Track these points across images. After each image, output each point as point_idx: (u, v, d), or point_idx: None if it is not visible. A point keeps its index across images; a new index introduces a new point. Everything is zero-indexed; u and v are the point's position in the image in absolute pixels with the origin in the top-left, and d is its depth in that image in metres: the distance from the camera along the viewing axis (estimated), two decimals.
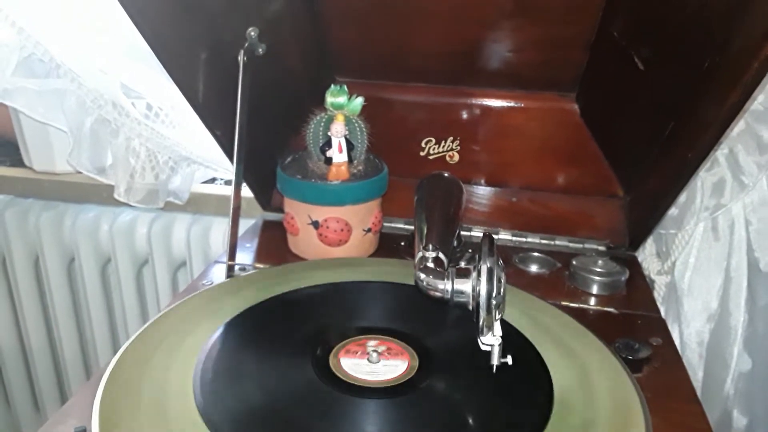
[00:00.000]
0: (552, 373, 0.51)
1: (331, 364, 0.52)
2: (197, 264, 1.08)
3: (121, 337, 1.21)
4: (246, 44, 0.68)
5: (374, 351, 0.53)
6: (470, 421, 0.47)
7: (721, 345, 0.84)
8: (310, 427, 0.45)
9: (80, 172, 1.02)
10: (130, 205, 1.03)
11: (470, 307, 0.53)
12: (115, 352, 0.52)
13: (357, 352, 0.54)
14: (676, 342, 0.70)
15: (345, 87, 0.73)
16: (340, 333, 0.57)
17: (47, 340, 1.24)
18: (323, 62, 0.86)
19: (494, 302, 0.50)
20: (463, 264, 0.65)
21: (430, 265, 0.56)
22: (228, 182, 1.11)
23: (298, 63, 0.84)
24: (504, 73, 0.81)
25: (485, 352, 0.50)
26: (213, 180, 1.12)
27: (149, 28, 0.60)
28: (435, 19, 0.77)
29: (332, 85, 0.73)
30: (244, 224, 0.82)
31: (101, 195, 1.07)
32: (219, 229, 1.06)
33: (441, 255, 0.58)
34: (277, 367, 0.52)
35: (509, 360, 0.50)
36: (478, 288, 0.50)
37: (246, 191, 0.81)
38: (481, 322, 0.50)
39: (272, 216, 0.90)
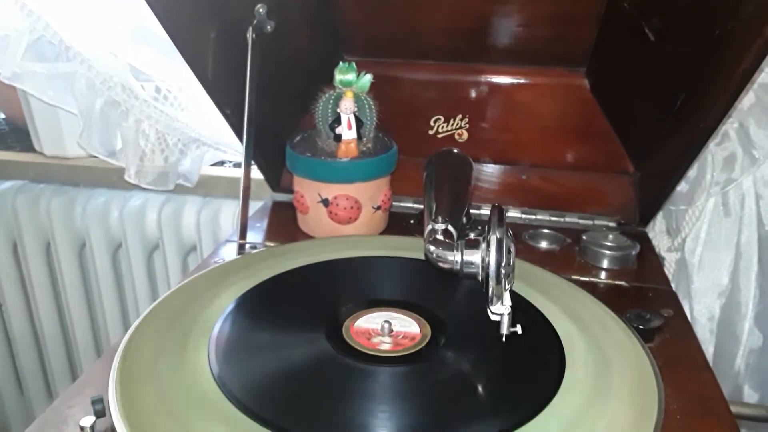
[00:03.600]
0: (563, 342, 0.52)
1: (344, 334, 0.52)
2: (207, 248, 1.09)
3: (132, 322, 1.21)
4: (254, 21, 0.69)
5: (386, 322, 0.53)
6: (482, 388, 0.47)
7: (732, 320, 0.84)
8: (325, 396, 0.46)
9: (91, 156, 1.03)
10: (141, 189, 1.04)
11: (480, 278, 0.53)
12: None
13: (369, 323, 0.54)
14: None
15: (354, 64, 0.73)
16: (352, 305, 0.57)
17: (59, 326, 1.25)
18: (331, 40, 0.86)
19: (504, 272, 0.49)
20: (472, 236, 0.65)
21: (440, 237, 0.56)
22: (237, 165, 1.11)
23: (306, 41, 0.84)
24: (513, 50, 0.81)
25: (496, 322, 0.50)
26: (222, 163, 1.13)
27: (159, 4, 0.60)
28: None
29: (341, 63, 0.73)
30: (253, 206, 0.82)
31: (111, 179, 1.08)
32: (229, 212, 1.07)
33: (450, 228, 0.58)
34: (291, 337, 0.52)
35: (519, 329, 0.50)
36: (487, 259, 0.50)
37: (255, 174, 0.82)
38: (490, 292, 0.50)
39: (281, 197, 0.90)
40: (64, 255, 1.15)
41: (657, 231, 0.90)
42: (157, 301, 0.57)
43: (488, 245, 0.50)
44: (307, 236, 0.78)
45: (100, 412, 0.44)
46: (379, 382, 0.47)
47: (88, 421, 0.43)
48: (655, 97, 0.73)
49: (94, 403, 0.44)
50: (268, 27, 0.70)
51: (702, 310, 0.86)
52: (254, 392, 0.45)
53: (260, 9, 0.69)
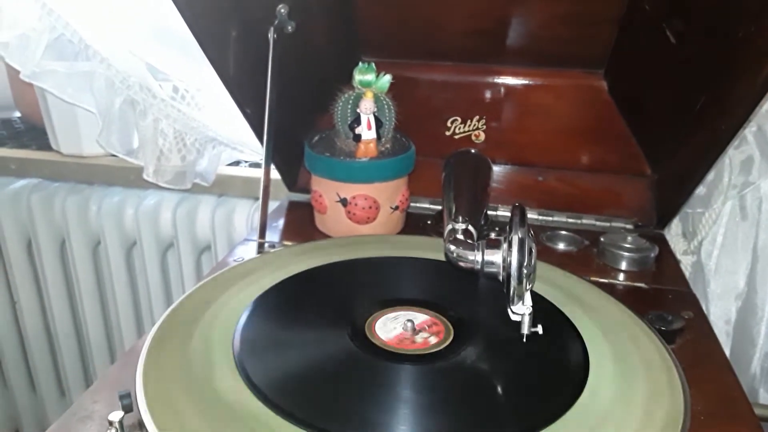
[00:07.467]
0: (586, 342, 0.51)
1: (366, 333, 0.52)
2: (221, 247, 1.09)
3: (146, 321, 1.22)
4: (276, 21, 0.69)
5: (409, 320, 0.53)
6: (505, 389, 0.47)
7: (748, 324, 0.84)
8: (349, 392, 0.46)
9: (108, 155, 1.03)
10: (156, 187, 1.04)
11: (500, 278, 0.53)
12: (140, 335, 0.53)
13: (393, 322, 0.54)
14: None
15: (373, 65, 0.73)
16: (374, 304, 0.57)
17: (73, 325, 1.26)
18: (350, 41, 0.87)
19: (525, 272, 0.50)
20: (492, 235, 0.66)
21: (460, 237, 0.56)
22: (253, 164, 1.12)
23: (325, 41, 0.85)
24: (531, 51, 0.81)
25: (518, 322, 0.50)
26: (237, 162, 1.13)
27: (183, 2, 0.60)
28: None
29: (360, 63, 0.73)
30: (270, 206, 0.83)
31: (128, 177, 1.08)
32: (243, 211, 1.07)
33: (471, 228, 0.58)
34: (315, 335, 0.53)
35: (539, 329, 0.50)
36: (508, 258, 0.50)
37: (271, 174, 0.82)
38: (511, 292, 0.50)
39: (297, 197, 0.90)
40: (79, 253, 1.16)
41: (673, 234, 0.89)
42: (182, 296, 0.57)
43: (510, 245, 0.50)
44: (325, 236, 0.78)
45: (128, 407, 0.44)
46: (402, 380, 0.47)
47: (116, 416, 0.43)
48: (675, 100, 0.73)
49: (121, 398, 0.44)
50: (289, 27, 0.70)
51: (718, 313, 0.85)
52: (279, 388, 0.45)
53: (282, 9, 0.69)
